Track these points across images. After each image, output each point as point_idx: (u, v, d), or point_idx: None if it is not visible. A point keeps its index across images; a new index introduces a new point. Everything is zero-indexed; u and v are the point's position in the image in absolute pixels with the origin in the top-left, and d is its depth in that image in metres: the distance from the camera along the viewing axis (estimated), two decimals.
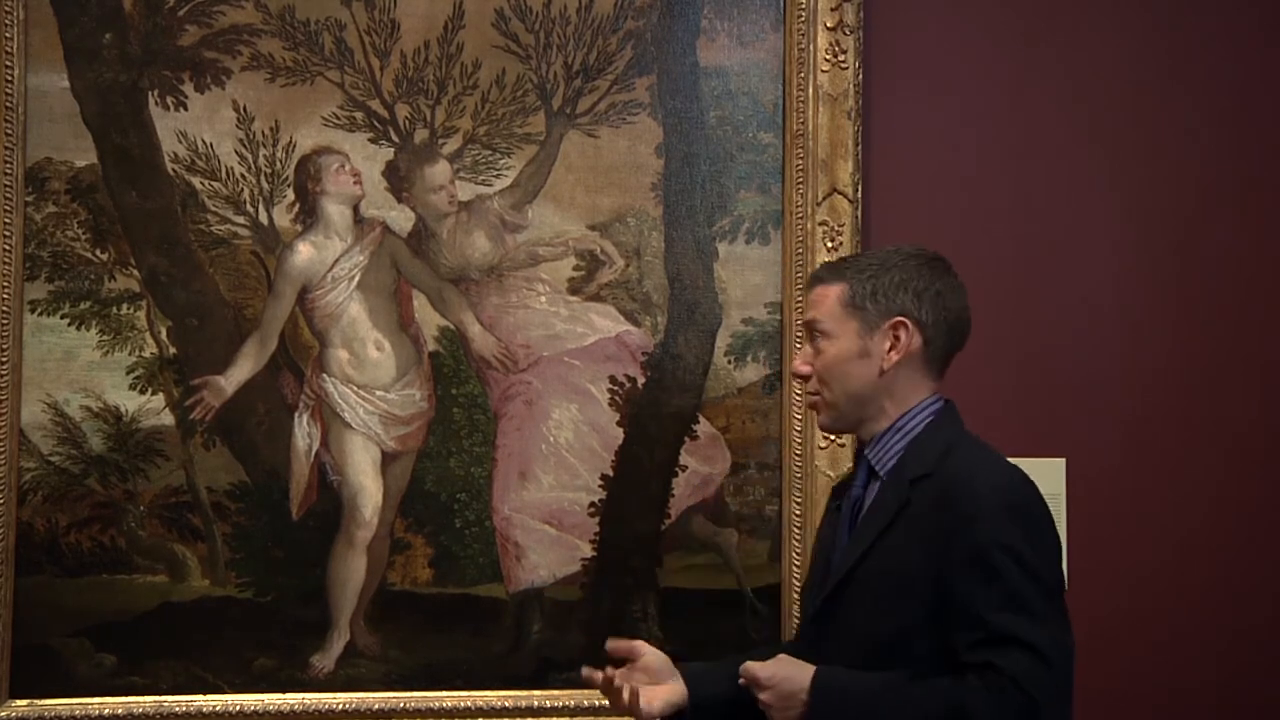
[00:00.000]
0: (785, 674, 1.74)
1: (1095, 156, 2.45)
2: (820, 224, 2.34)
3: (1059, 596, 1.66)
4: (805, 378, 1.84)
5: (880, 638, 1.70)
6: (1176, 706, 2.45)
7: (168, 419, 2.30)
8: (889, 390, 1.76)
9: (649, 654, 1.88)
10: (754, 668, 1.75)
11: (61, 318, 2.28)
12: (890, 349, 1.74)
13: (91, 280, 2.28)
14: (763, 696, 1.76)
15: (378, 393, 2.33)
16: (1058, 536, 1.71)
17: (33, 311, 2.27)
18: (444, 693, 2.32)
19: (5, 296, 2.24)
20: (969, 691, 1.61)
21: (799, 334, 2.33)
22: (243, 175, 2.30)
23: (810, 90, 2.34)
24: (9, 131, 2.24)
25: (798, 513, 2.35)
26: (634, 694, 1.78)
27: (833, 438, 2.33)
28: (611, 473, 2.37)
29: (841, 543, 1.84)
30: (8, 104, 2.24)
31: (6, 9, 2.24)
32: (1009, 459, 1.72)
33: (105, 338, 2.29)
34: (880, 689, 1.67)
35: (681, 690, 1.85)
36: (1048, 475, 2.30)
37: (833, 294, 1.79)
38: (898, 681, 1.67)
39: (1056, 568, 1.67)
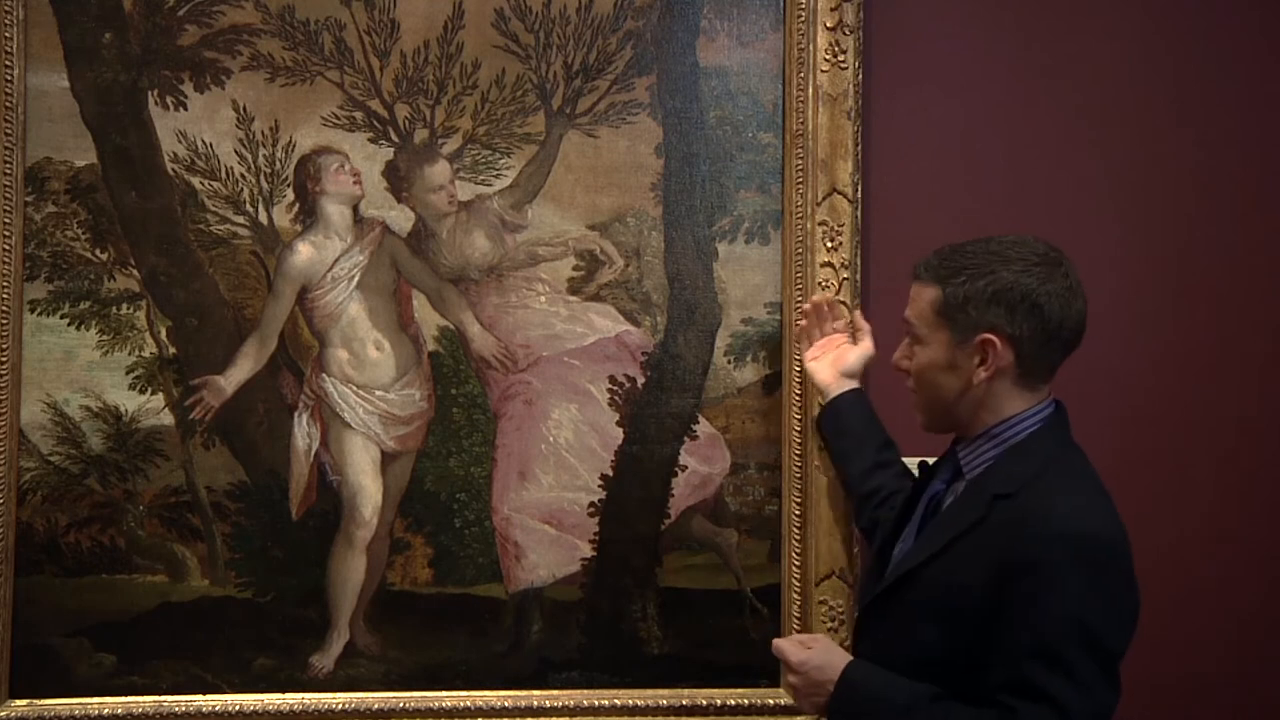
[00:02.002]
0: (817, 662, 1.74)
1: (1095, 156, 2.45)
2: (820, 224, 2.34)
3: (1112, 662, 1.59)
4: (906, 373, 1.81)
5: (930, 648, 1.67)
6: (1176, 706, 2.45)
7: (167, 419, 2.30)
8: (981, 401, 1.71)
9: (860, 355, 2.19)
10: (787, 650, 1.78)
11: (61, 318, 2.28)
12: (979, 364, 1.68)
13: (91, 280, 2.28)
14: (791, 679, 1.77)
15: (377, 393, 2.33)
16: (1133, 594, 1.62)
17: (32, 311, 2.27)
18: (444, 693, 2.32)
19: (5, 296, 2.24)
20: None
21: (799, 334, 2.34)
22: (242, 175, 2.30)
23: (810, 90, 2.34)
24: (9, 131, 2.24)
25: (798, 513, 2.35)
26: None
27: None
28: (611, 473, 2.37)
29: (907, 537, 1.82)
30: (8, 104, 2.24)
31: (6, 9, 2.24)
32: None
33: (105, 338, 2.29)
34: (904, 702, 1.64)
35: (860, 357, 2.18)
36: None
37: (927, 297, 1.73)
38: (923, 698, 1.64)
39: (1120, 631, 1.60)
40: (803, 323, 2.29)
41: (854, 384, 2.20)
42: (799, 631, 2.33)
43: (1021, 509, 1.62)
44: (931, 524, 1.77)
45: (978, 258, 1.70)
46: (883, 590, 1.77)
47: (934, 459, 1.93)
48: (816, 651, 1.76)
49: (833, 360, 2.24)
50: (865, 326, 2.26)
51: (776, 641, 1.82)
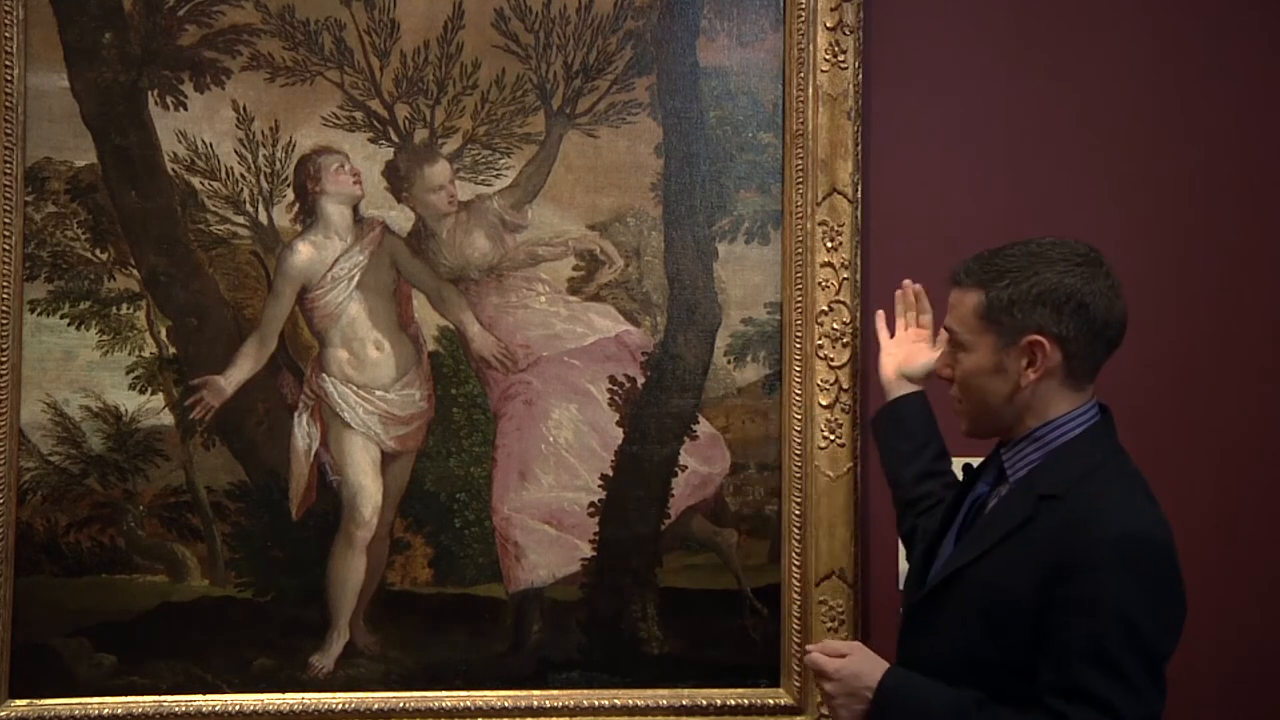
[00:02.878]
0: (853, 670, 1.71)
1: (1095, 156, 2.45)
2: (820, 224, 2.34)
3: (1160, 665, 1.58)
4: (950, 380, 1.77)
5: (977, 650, 1.65)
6: (1175, 705, 2.45)
7: (167, 419, 2.30)
8: (1027, 405, 1.69)
9: (927, 361, 2.08)
10: (821, 660, 1.74)
11: (61, 318, 2.28)
12: (1028, 366, 1.66)
13: (91, 280, 2.28)
14: (828, 687, 1.73)
15: (377, 393, 2.33)
16: (1182, 598, 1.62)
17: (32, 311, 2.27)
18: (444, 693, 2.32)
19: (5, 296, 2.24)
20: None
21: (799, 334, 2.34)
22: (242, 175, 2.30)
23: (810, 90, 2.34)
24: (9, 131, 2.24)
25: (797, 513, 2.35)
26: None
27: (832, 437, 2.33)
28: (611, 473, 2.37)
29: (949, 539, 1.79)
30: (7, 104, 2.24)
31: (6, 9, 2.24)
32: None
33: (105, 338, 2.29)
34: (947, 708, 1.62)
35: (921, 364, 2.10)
36: None
37: (969, 303, 1.70)
38: (964, 704, 1.62)
39: (1169, 635, 1.59)
40: (881, 312, 2.21)
41: (914, 386, 2.12)
42: (799, 632, 2.33)
43: (1071, 510, 1.60)
44: (976, 526, 1.74)
45: (1020, 260, 1.68)
46: (927, 593, 1.74)
47: (978, 460, 1.90)
48: (852, 659, 1.73)
49: (903, 358, 2.14)
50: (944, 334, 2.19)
51: (810, 654, 1.77)
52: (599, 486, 2.36)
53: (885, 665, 1.71)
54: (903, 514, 2.12)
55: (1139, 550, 1.56)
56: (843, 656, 1.74)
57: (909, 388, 2.12)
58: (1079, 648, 1.54)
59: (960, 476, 1.97)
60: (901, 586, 2.24)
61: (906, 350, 2.16)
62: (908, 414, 2.11)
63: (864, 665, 1.71)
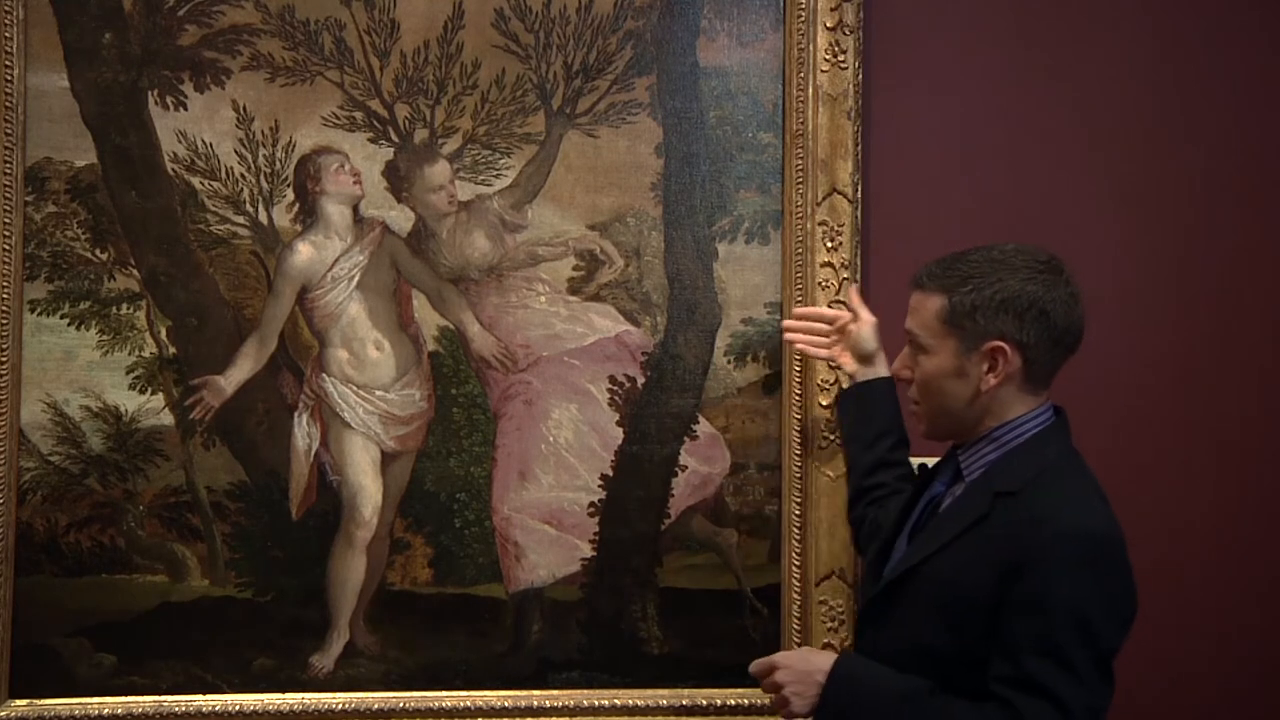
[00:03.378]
0: (804, 657, 1.78)
1: (1095, 156, 2.45)
2: (820, 224, 2.34)
3: (1108, 659, 1.62)
4: (908, 382, 1.81)
5: (933, 645, 1.68)
6: (1175, 705, 2.45)
7: (167, 419, 2.30)
8: (986, 408, 1.73)
9: (864, 332, 2.15)
10: (768, 658, 1.81)
11: (61, 318, 2.28)
12: (988, 371, 1.70)
13: (91, 280, 2.28)
14: (779, 676, 1.77)
15: (377, 393, 2.33)
16: (1131, 593, 1.65)
17: (32, 311, 2.27)
18: (444, 693, 2.32)
19: (5, 296, 2.24)
20: (983, 717, 1.59)
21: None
22: (242, 175, 2.30)
23: (810, 90, 2.34)
24: (9, 131, 2.24)
25: (797, 513, 2.35)
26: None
27: (832, 437, 2.33)
28: (611, 473, 2.37)
29: (903, 537, 1.83)
30: (8, 104, 2.24)
31: (6, 9, 2.24)
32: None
33: (105, 338, 2.29)
34: (898, 695, 1.66)
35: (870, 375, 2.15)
36: None
37: (932, 307, 1.73)
38: (918, 691, 1.65)
39: (1118, 630, 1.63)
40: (799, 343, 2.26)
41: (880, 370, 2.17)
42: (799, 632, 2.33)
43: (1026, 508, 1.64)
44: (932, 523, 1.78)
45: (982, 266, 1.71)
46: (883, 588, 1.78)
47: (934, 460, 1.93)
48: (803, 650, 1.82)
49: (850, 346, 2.20)
50: (854, 300, 2.24)
51: (751, 666, 1.83)
52: (599, 486, 2.37)
53: (834, 655, 1.76)
54: (854, 500, 2.18)
55: (1091, 547, 1.60)
56: (788, 653, 1.83)
57: (874, 372, 2.17)
58: (1030, 641, 1.58)
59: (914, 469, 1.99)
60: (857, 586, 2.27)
61: (846, 342, 2.21)
62: (873, 400, 2.16)
63: (815, 654, 1.79)
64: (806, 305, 2.32)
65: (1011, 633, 1.59)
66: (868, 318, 2.20)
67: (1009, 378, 1.70)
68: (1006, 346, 1.68)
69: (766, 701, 2.33)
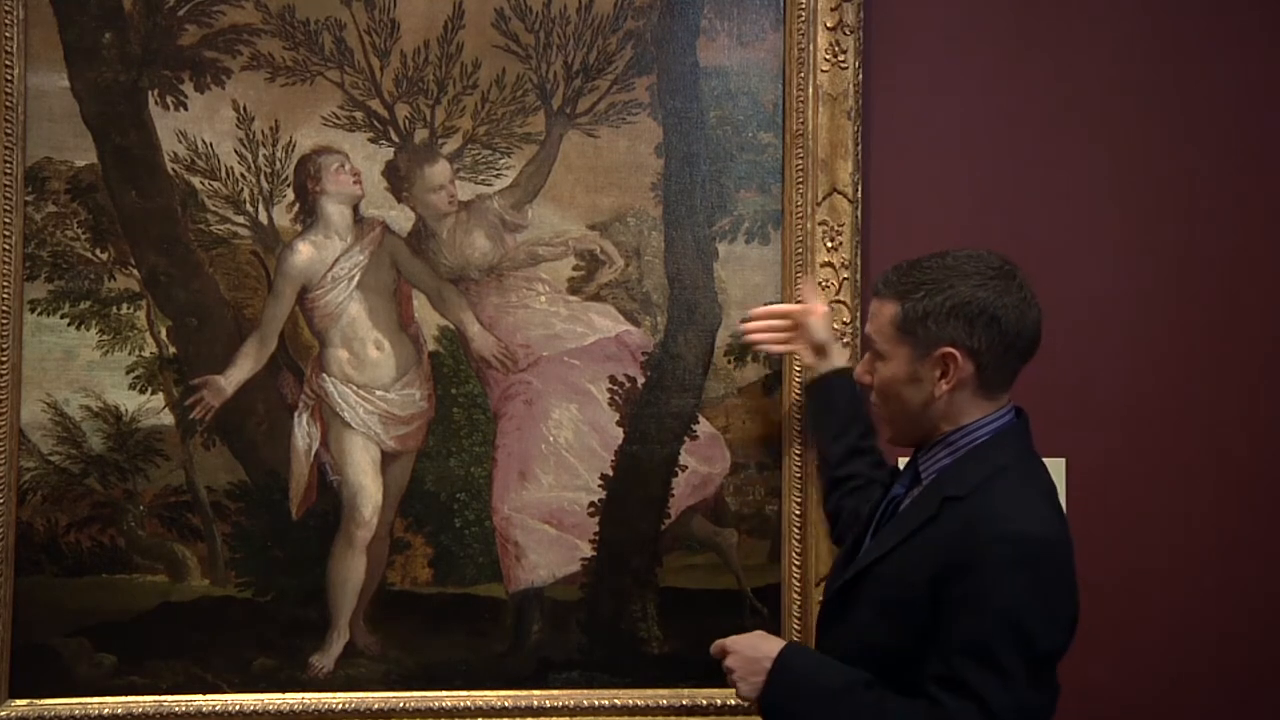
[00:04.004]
0: (754, 643, 1.81)
1: (1095, 156, 2.45)
2: (820, 224, 2.34)
3: (1045, 663, 1.62)
4: (867, 387, 1.84)
5: (878, 644, 1.71)
6: (1175, 706, 2.45)
7: (167, 419, 2.30)
8: (943, 413, 1.74)
9: (813, 323, 2.19)
10: (723, 640, 1.85)
11: (61, 317, 2.28)
12: (941, 377, 1.71)
13: (91, 280, 2.28)
14: (728, 661, 1.82)
15: (377, 392, 2.33)
16: (1070, 597, 1.65)
17: (33, 311, 2.27)
18: (444, 693, 2.32)
19: (5, 296, 2.24)
20: (911, 713, 1.62)
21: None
22: (243, 175, 2.30)
23: (810, 90, 2.34)
24: (9, 131, 2.24)
25: (797, 513, 2.35)
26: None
27: None
28: (611, 473, 2.37)
29: (869, 537, 1.86)
30: (8, 104, 2.24)
31: (6, 9, 2.24)
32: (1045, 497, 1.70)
33: (105, 337, 2.29)
34: (835, 687, 1.69)
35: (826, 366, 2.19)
36: None
37: (887, 313, 1.76)
38: (854, 684, 1.68)
39: (1054, 633, 1.62)
40: (758, 341, 2.29)
41: (836, 361, 2.21)
42: (799, 632, 2.33)
43: (970, 512, 1.66)
44: (888, 525, 1.81)
45: (935, 273, 1.73)
46: (840, 587, 1.82)
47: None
48: (754, 635, 1.84)
49: (803, 339, 2.24)
50: (806, 291, 2.28)
51: (713, 646, 1.87)
52: (599, 486, 2.36)
53: (782, 641, 1.80)
54: (829, 491, 2.20)
55: (1026, 549, 1.60)
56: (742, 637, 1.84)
57: (833, 363, 2.21)
58: (960, 640, 1.60)
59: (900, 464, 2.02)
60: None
61: (799, 335, 2.25)
62: (833, 391, 2.20)
63: (764, 640, 1.81)
64: (806, 305, 2.32)
65: (946, 632, 1.61)
66: (819, 308, 2.24)
67: (962, 383, 1.72)
68: (957, 353, 1.70)
69: None
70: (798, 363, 2.34)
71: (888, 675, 1.68)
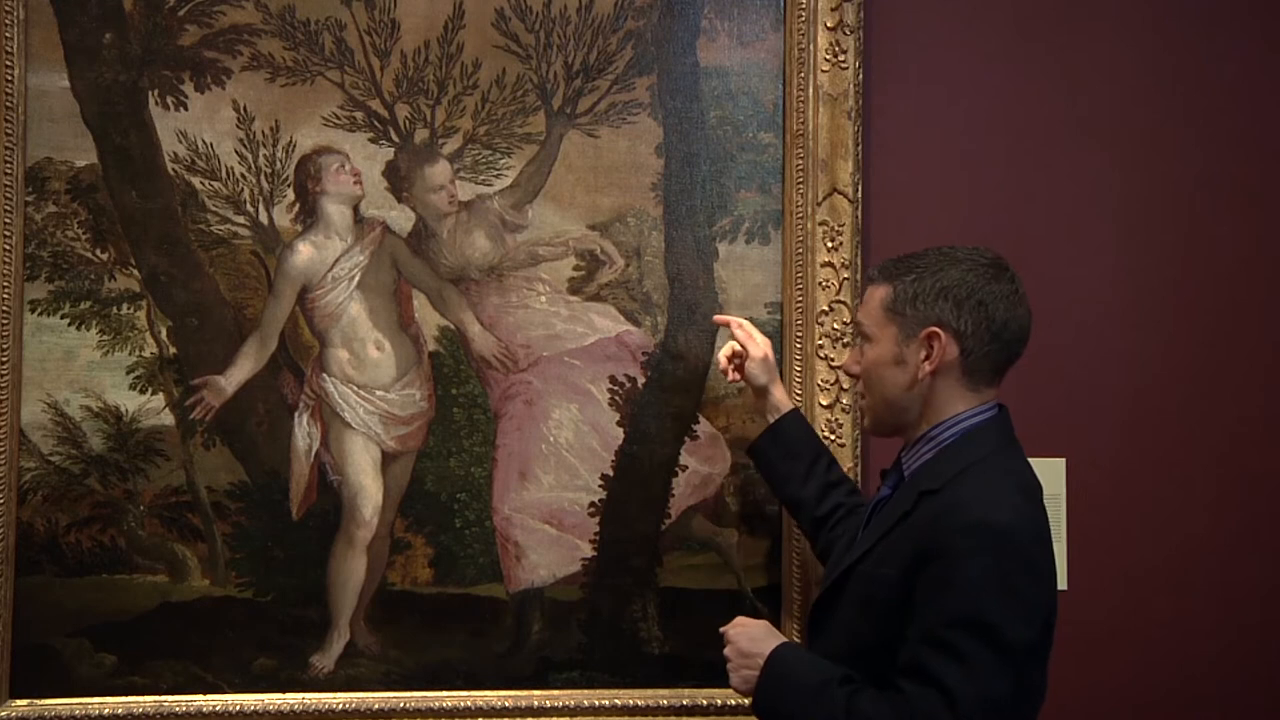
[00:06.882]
0: (751, 636, 1.82)
1: (1095, 156, 2.46)
2: (820, 224, 2.34)
3: (1015, 654, 1.59)
4: (855, 377, 1.85)
5: (862, 641, 1.73)
6: (1175, 706, 2.45)
7: (168, 419, 2.30)
8: (924, 399, 1.75)
9: (751, 370, 2.15)
10: (726, 628, 1.87)
11: (61, 318, 2.28)
12: (925, 358, 1.72)
13: (91, 280, 2.28)
14: (725, 651, 1.84)
15: (378, 393, 2.33)
16: (1041, 587, 1.64)
17: (33, 311, 2.27)
18: (444, 693, 2.32)
19: (5, 296, 2.24)
20: (876, 705, 1.62)
21: (799, 334, 2.34)
22: (243, 175, 2.30)
23: (810, 90, 2.34)
24: (9, 131, 2.24)
25: None
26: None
27: (832, 437, 2.33)
28: (611, 473, 2.37)
29: (854, 537, 1.87)
30: (8, 104, 2.24)
31: (6, 9, 2.24)
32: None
33: (105, 338, 2.29)
34: (814, 684, 1.70)
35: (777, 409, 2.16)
36: (1048, 475, 2.29)
37: (878, 296, 1.78)
38: (830, 680, 1.69)
39: (1022, 624, 1.60)
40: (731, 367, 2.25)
41: (779, 403, 2.18)
42: (799, 632, 2.33)
43: (943, 504, 1.66)
44: (870, 523, 1.83)
45: (929, 260, 1.76)
46: (826, 588, 1.84)
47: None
48: (754, 628, 1.84)
49: (751, 377, 2.19)
50: (742, 335, 2.21)
51: (722, 630, 1.88)
52: (599, 486, 2.37)
53: (781, 638, 1.81)
54: (816, 533, 2.16)
55: (991, 539, 1.60)
56: (747, 625, 1.85)
57: (772, 406, 2.18)
58: (925, 630, 1.60)
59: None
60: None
61: (747, 372, 2.19)
62: (788, 433, 2.16)
63: (762, 635, 1.81)
64: (807, 306, 2.33)
65: (914, 622, 1.62)
66: (756, 353, 2.18)
67: (946, 368, 1.73)
68: (942, 333, 1.71)
69: None
70: (798, 363, 2.34)
71: (874, 671, 1.68)
